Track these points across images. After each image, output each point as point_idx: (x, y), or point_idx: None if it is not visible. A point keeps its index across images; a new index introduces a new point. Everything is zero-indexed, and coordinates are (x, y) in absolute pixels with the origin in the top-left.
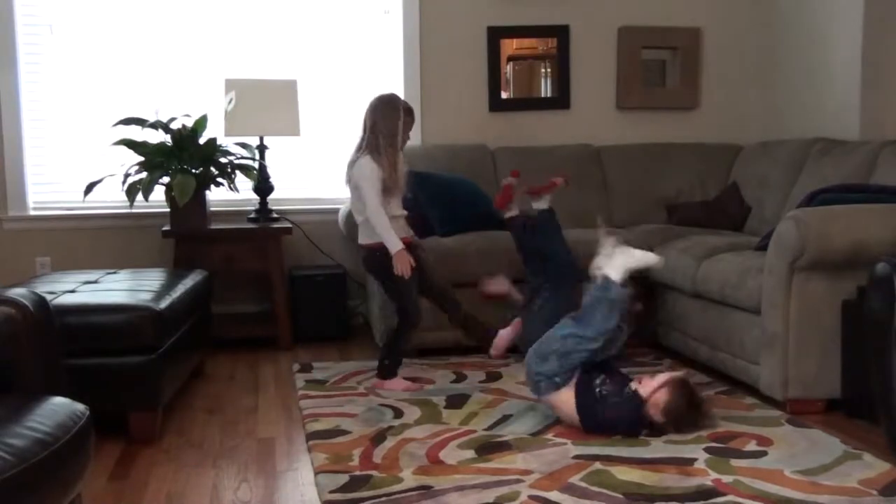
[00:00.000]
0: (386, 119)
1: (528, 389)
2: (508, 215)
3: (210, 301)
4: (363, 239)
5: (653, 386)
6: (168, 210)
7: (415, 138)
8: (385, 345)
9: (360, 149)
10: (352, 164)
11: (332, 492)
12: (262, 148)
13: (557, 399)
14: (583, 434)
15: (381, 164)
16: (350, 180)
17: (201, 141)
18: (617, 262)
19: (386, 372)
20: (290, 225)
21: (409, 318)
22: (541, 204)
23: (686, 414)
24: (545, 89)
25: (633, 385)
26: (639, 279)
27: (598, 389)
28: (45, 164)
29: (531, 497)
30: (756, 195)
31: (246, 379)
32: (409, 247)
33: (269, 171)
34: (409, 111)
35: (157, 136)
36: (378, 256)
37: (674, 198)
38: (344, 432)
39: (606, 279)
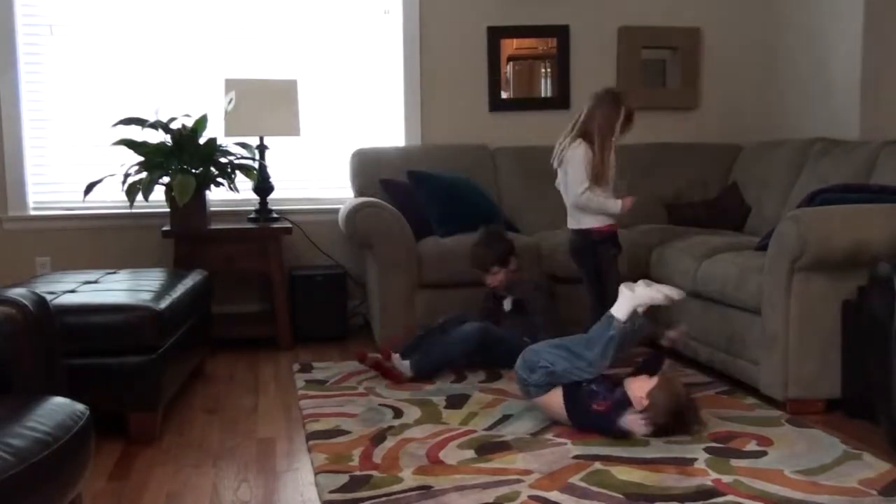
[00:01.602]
0: (606, 114)
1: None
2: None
3: (210, 301)
4: (572, 223)
5: (643, 388)
6: (168, 210)
7: (415, 138)
8: None
9: (571, 133)
10: (564, 148)
11: (332, 492)
12: (262, 148)
13: (545, 401)
14: (582, 434)
15: (593, 151)
16: (561, 163)
17: (201, 141)
18: (628, 300)
19: None
20: (290, 225)
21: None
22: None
23: (676, 414)
24: (545, 89)
25: (626, 383)
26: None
27: (586, 390)
28: (45, 164)
29: (531, 497)
30: (756, 195)
31: (246, 379)
32: (614, 239)
33: (269, 171)
34: (630, 114)
35: (157, 136)
36: (585, 239)
37: (674, 198)
38: (344, 432)
39: (610, 317)
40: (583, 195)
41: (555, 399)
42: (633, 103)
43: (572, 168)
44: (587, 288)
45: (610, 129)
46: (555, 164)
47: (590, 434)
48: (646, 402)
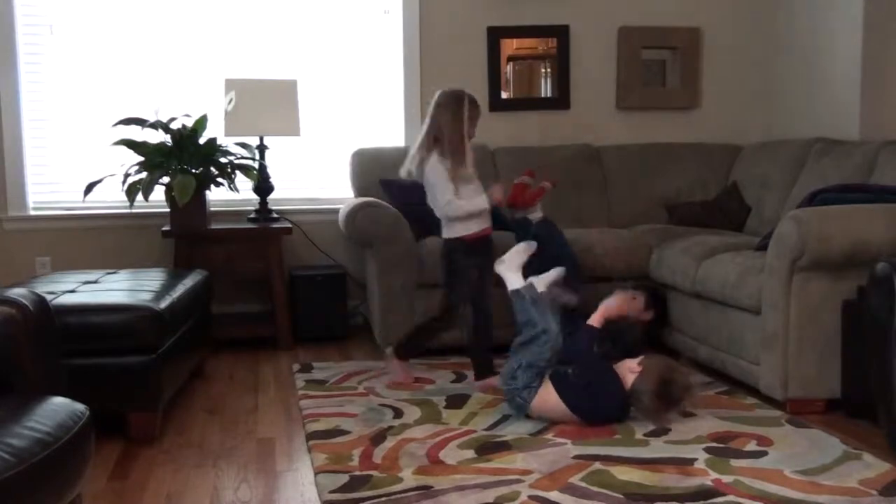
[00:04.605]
0: (452, 114)
1: (515, 414)
2: (533, 217)
3: (210, 301)
4: (445, 233)
5: (633, 363)
6: (168, 210)
7: (415, 138)
8: (471, 346)
9: (423, 146)
10: (420, 163)
11: (332, 492)
12: (262, 148)
13: (542, 403)
14: (583, 433)
15: (448, 161)
16: (421, 178)
17: (201, 141)
18: (509, 269)
19: (481, 370)
20: (290, 225)
21: (483, 313)
22: (535, 214)
23: (669, 380)
24: (545, 89)
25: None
26: (650, 288)
27: (574, 380)
28: (45, 164)
29: (531, 497)
30: (756, 195)
31: (246, 379)
32: (487, 240)
33: (269, 171)
34: (473, 102)
35: (157, 136)
36: (458, 247)
37: (674, 198)
38: (344, 432)
39: (515, 292)
40: (451, 206)
41: (551, 398)
42: (472, 95)
43: (436, 184)
44: (462, 289)
45: (458, 127)
46: (409, 175)
47: (592, 431)
48: (638, 369)
